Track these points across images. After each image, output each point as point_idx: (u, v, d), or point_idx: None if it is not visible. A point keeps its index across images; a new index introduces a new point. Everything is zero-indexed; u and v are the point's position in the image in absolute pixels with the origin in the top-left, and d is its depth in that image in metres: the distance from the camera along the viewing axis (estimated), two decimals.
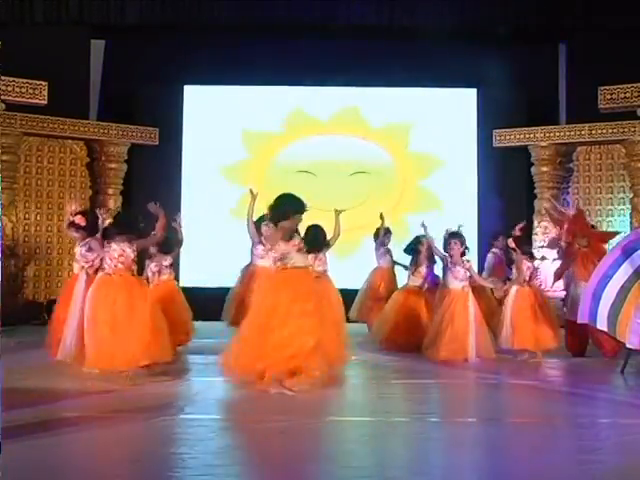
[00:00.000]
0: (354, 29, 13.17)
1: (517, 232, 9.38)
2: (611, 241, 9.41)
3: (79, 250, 8.14)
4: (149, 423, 5.44)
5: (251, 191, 7.04)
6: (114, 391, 6.53)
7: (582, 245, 8.95)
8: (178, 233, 9.10)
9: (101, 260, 7.37)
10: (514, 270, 8.81)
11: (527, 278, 8.64)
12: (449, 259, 8.65)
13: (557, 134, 13.07)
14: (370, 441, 5.21)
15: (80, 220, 8.16)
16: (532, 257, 8.96)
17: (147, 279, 8.77)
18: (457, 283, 8.56)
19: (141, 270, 8.86)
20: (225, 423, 5.67)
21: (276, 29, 13.12)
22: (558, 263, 13.02)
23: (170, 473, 4.36)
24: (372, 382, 7.72)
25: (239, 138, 13.90)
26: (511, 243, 8.86)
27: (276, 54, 13.27)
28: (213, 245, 12.82)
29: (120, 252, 7.16)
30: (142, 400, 6.24)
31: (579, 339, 8.81)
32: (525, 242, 9.42)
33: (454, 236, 8.67)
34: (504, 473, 4.41)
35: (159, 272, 8.90)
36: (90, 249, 7.97)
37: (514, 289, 8.64)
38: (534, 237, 12.87)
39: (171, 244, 8.95)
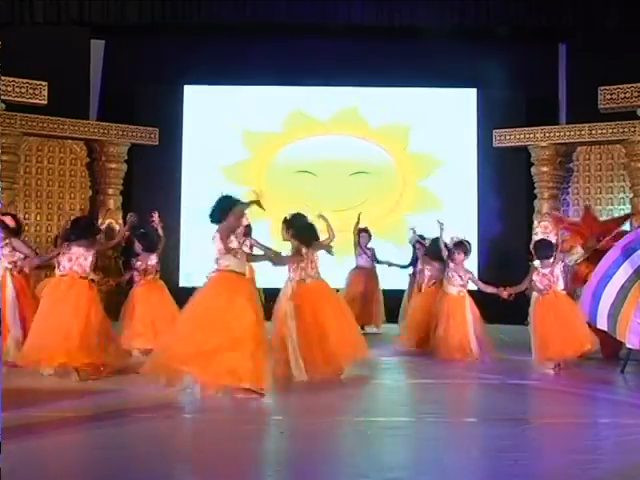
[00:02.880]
0: (354, 29, 13.19)
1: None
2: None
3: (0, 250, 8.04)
4: (149, 423, 5.44)
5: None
6: (114, 391, 6.53)
7: (592, 246, 8.92)
8: (157, 230, 8.95)
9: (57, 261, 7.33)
10: None
11: None
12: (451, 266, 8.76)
13: (557, 134, 13.11)
14: (370, 441, 5.21)
15: (10, 221, 8.11)
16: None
17: (132, 278, 8.94)
18: (453, 289, 8.74)
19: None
20: (225, 423, 5.64)
21: (276, 29, 13.14)
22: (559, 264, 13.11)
23: (170, 473, 4.37)
24: (372, 383, 7.72)
25: (239, 138, 13.93)
26: None
27: (276, 54, 13.27)
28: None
29: (78, 255, 7.19)
30: (141, 400, 6.23)
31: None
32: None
33: (458, 246, 8.82)
34: (504, 473, 4.40)
35: (145, 271, 8.82)
36: (14, 249, 7.98)
37: None
38: (534, 237, 12.87)
39: (154, 242, 8.91)
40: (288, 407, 6.17)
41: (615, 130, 12.62)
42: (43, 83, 11.91)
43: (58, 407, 5.87)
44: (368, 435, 5.30)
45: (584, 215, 10.04)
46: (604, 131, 12.75)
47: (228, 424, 5.59)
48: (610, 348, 8.31)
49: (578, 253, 9.03)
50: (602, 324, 7.59)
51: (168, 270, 13.28)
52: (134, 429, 5.27)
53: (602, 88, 12.14)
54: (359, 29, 13.18)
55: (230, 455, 4.79)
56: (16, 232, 8.13)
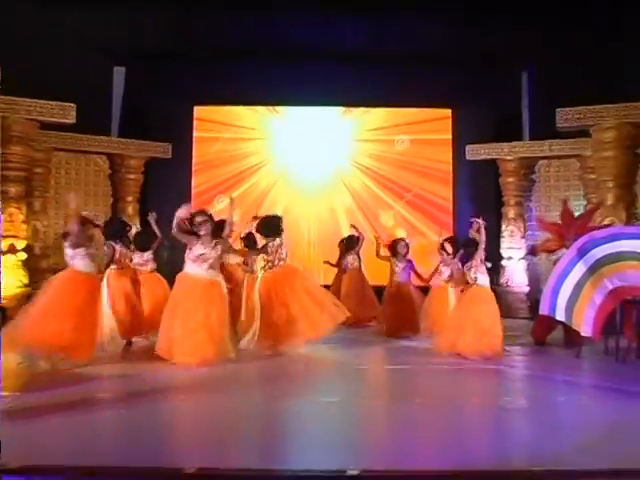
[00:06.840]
0: (353, 55, 13.43)
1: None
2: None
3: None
4: (164, 404, 5.51)
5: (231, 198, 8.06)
6: (131, 374, 6.71)
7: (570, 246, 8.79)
8: (153, 230, 9.30)
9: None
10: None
11: None
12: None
13: (521, 149, 13.63)
14: (359, 423, 5.23)
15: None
16: None
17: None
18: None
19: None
20: (232, 405, 5.58)
21: (280, 54, 13.45)
22: (523, 262, 13.65)
23: (185, 450, 4.43)
24: (355, 368, 7.69)
25: (244, 151, 14.65)
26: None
27: (273, 77, 13.72)
28: None
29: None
30: (158, 382, 6.33)
31: (546, 330, 9.26)
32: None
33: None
34: (470, 450, 4.42)
35: (140, 265, 9.26)
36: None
37: None
38: (502, 239, 13.56)
39: (145, 241, 9.33)
40: (289, 391, 6.18)
41: (571, 146, 13.09)
42: (72, 105, 12.31)
43: (89, 388, 6.04)
44: (357, 417, 5.32)
45: (563, 210, 10.03)
46: (562, 147, 13.21)
47: (236, 405, 5.56)
48: (570, 337, 8.68)
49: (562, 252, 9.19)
50: (560, 316, 7.98)
51: (173, 271, 14.06)
52: (142, 411, 5.32)
53: (559, 110, 12.34)
54: (355, 54, 13.46)
55: (236, 435, 4.83)
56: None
